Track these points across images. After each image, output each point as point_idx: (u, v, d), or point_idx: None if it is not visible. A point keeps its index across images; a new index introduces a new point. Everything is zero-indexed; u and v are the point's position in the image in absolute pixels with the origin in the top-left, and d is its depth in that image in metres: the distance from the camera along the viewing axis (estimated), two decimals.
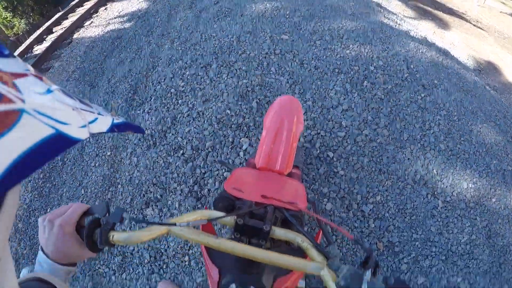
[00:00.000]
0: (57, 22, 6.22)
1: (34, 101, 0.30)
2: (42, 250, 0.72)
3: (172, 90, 2.63)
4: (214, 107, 2.31)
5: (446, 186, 2.13)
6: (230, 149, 2.14)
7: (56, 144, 0.30)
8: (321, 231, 1.12)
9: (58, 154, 0.30)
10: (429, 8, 8.40)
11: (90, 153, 2.81)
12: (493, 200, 2.16)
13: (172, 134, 2.38)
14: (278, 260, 0.68)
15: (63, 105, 0.34)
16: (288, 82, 2.40)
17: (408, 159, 2.16)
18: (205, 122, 2.28)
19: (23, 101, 0.29)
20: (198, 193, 2.11)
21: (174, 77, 2.74)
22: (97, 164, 2.68)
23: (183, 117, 2.39)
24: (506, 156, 2.46)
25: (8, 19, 12.31)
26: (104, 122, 0.40)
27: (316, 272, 0.65)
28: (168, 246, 2.12)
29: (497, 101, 3.27)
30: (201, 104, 2.39)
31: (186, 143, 2.27)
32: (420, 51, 3.15)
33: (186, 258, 2.07)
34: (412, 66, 2.71)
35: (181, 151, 2.28)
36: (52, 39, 5.21)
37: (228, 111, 2.25)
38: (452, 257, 1.95)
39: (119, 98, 3.07)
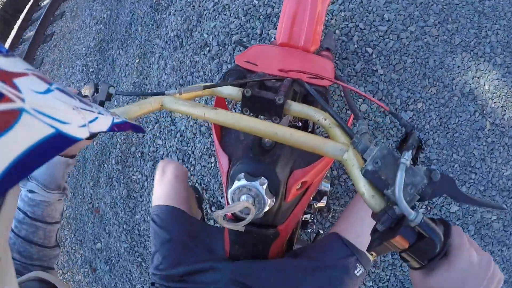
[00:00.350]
0: None
1: (34, 100, 0.30)
2: None
3: None
4: None
5: (497, 107, 1.87)
6: (258, 42, 1.96)
7: (56, 144, 0.30)
8: (352, 116, 0.96)
9: (58, 153, 0.30)
10: None
11: (121, 64, 2.78)
12: None
13: (198, 32, 2.23)
14: (289, 136, 0.56)
15: (63, 104, 0.34)
16: None
17: (458, 66, 1.89)
18: (232, 15, 2.09)
19: (23, 100, 0.29)
20: None
21: None
22: (127, 74, 2.66)
23: (209, 13, 2.22)
24: None
25: None
26: (104, 121, 0.40)
27: (337, 156, 0.52)
28: (195, 148, 2.09)
29: None
30: None
31: (212, 39, 2.12)
32: None
33: (212, 159, 2.01)
34: None
35: (207, 48, 2.14)
36: None
37: (256, 1, 2.04)
38: (490, 190, 1.77)
39: (145, 5, 2.93)
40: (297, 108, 0.64)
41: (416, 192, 0.45)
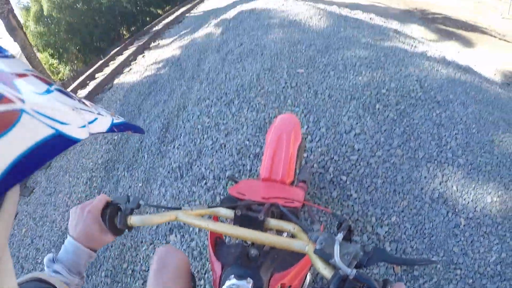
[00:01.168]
0: (99, 69, 6.83)
1: (34, 101, 0.30)
2: (69, 235, 0.83)
3: (199, 127, 2.88)
4: (235, 139, 2.51)
5: (468, 202, 2.06)
6: (248, 177, 2.30)
7: (56, 144, 0.30)
8: (323, 225, 1.32)
9: (58, 154, 0.30)
10: (451, 29, 8.35)
11: (124, 185, 3.05)
12: None
13: (197, 166, 2.58)
14: (266, 239, 0.77)
15: (63, 105, 0.34)
16: (303, 112, 2.56)
17: (425, 177, 2.17)
18: (226, 153, 2.47)
19: (22, 101, 0.29)
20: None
21: (201, 115, 3.00)
22: (129, 194, 2.92)
23: (208, 150, 2.61)
24: None
25: (54, 65, 13.71)
26: (104, 122, 0.40)
27: (301, 249, 0.71)
28: None
29: None
30: (224, 137, 2.60)
31: (209, 173, 2.46)
32: (435, 69, 3.20)
33: (202, 281, 2.07)
34: (426, 85, 2.77)
35: (204, 181, 2.46)
36: (94, 84, 5.76)
37: (247, 142, 2.44)
38: (480, 280, 1.79)
39: (153, 136, 3.36)
40: (274, 223, 0.85)
41: (352, 258, 0.60)
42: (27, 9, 13.04)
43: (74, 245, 0.81)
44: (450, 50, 5.79)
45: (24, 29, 7.82)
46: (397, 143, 2.30)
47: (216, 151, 2.54)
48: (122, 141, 3.76)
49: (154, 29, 10.76)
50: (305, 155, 2.27)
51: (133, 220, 0.84)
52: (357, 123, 2.41)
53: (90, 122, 0.36)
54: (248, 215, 0.87)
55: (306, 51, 3.34)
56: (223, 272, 0.91)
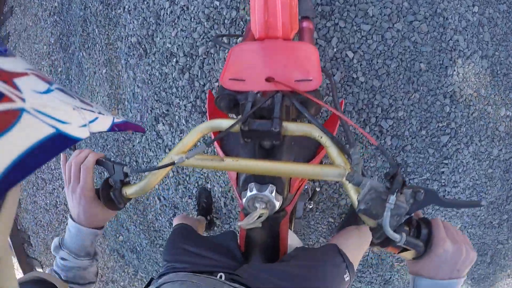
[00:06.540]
0: None
1: (34, 100, 0.30)
2: (71, 217, 0.78)
3: None
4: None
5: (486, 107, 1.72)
6: (227, 53, 1.71)
7: (57, 144, 0.29)
8: (343, 102, 1.13)
9: (58, 153, 0.29)
10: None
11: (88, 69, 2.53)
12: None
13: (160, 38, 1.97)
14: (291, 170, 0.65)
15: (64, 104, 0.33)
16: None
17: (446, 67, 1.66)
18: (192, 20, 1.81)
19: (23, 100, 0.28)
20: (202, 107, 1.91)
21: None
22: (99, 84, 2.44)
23: (167, 14, 1.93)
24: None
25: None
26: (104, 122, 0.39)
27: (337, 179, 0.62)
28: None
29: None
30: None
31: (177, 49, 1.88)
32: None
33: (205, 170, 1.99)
34: None
35: (174, 59, 1.92)
36: None
37: (217, 3, 1.75)
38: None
39: (95, 0, 2.57)
40: (293, 128, 0.68)
41: (401, 216, 0.53)
42: None
43: (76, 227, 0.78)
44: None
45: None
46: (423, 13, 1.65)
47: (179, 18, 1.86)
48: (64, 7, 2.98)
49: None
50: None
51: (130, 191, 0.74)
52: None
53: (90, 121, 0.36)
54: (259, 130, 0.67)
55: None
56: (238, 175, 0.82)
